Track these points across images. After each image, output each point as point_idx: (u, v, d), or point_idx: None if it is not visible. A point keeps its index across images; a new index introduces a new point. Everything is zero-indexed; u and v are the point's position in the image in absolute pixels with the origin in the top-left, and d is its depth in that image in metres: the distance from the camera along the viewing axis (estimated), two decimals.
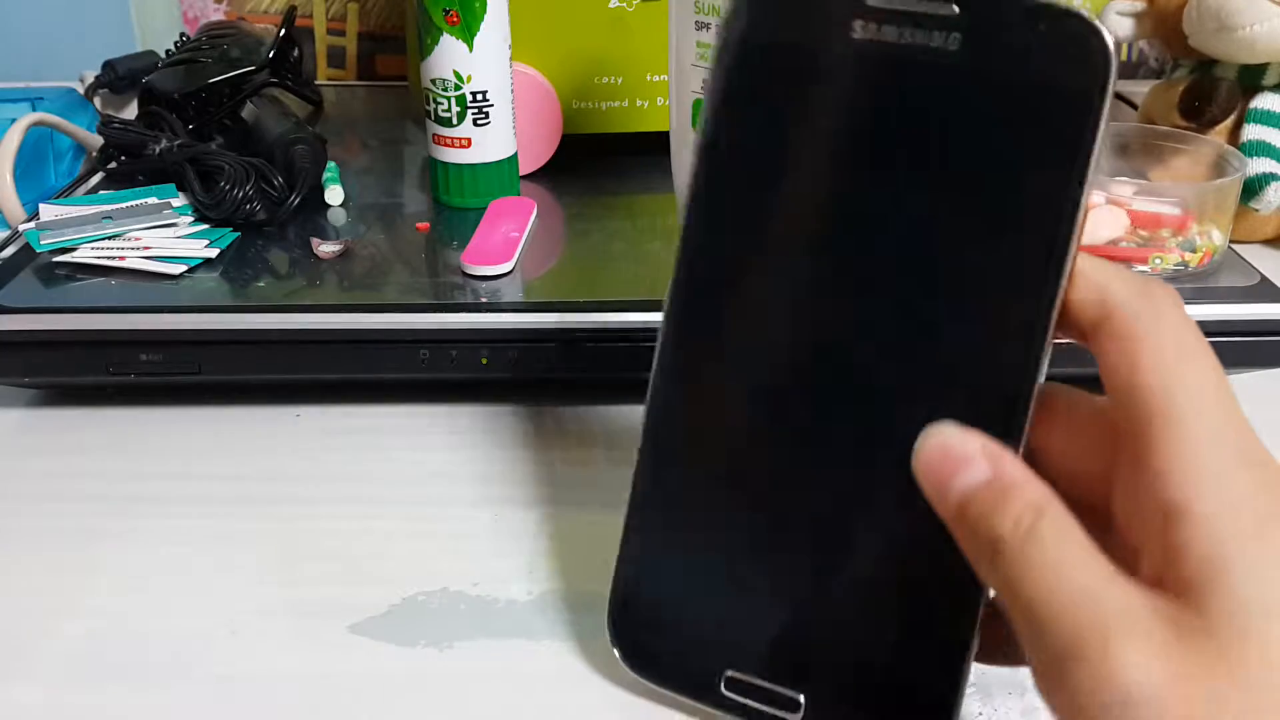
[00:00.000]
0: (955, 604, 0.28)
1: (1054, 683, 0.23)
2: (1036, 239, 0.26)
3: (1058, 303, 0.26)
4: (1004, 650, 0.28)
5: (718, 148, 0.30)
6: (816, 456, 0.29)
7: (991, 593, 0.27)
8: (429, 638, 0.35)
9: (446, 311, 0.46)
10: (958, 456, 0.25)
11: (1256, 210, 0.59)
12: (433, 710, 0.32)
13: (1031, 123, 0.26)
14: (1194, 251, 0.48)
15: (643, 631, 0.32)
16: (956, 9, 0.27)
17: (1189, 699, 0.21)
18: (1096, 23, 0.25)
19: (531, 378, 0.47)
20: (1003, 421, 0.26)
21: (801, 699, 0.30)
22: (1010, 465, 0.25)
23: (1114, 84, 0.25)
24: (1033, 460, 0.26)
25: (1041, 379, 0.26)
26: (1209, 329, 0.44)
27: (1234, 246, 0.51)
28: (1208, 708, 0.21)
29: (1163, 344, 0.24)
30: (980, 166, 0.27)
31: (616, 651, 0.32)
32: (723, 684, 0.31)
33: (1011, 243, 0.26)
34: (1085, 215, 0.26)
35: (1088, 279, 0.26)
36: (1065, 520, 0.24)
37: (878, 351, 0.28)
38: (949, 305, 0.27)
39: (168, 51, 0.71)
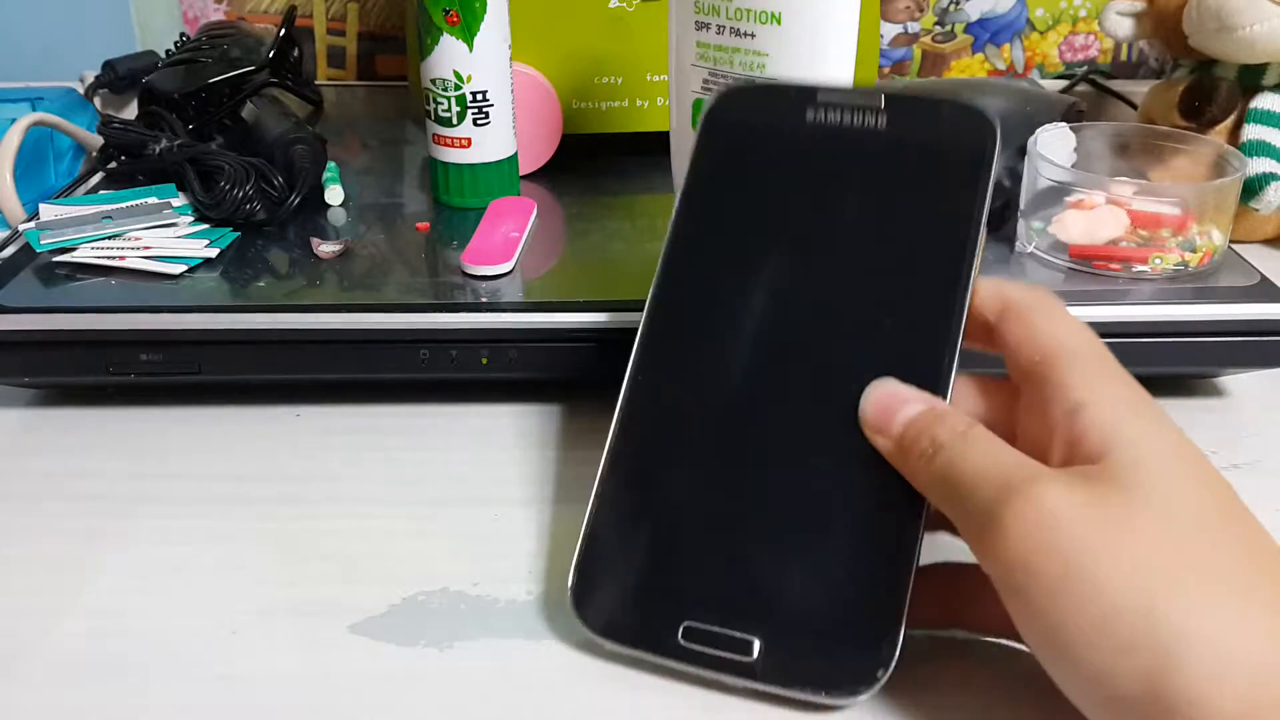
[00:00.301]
0: (893, 547, 0.32)
1: (987, 532, 0.29)
2: (951, 255, 0.34)
3: (968, 298, 0.34)
4: (944, 608, 0.34)
5: (697, 196, 0.38)
6: (769, 423, 0.34)
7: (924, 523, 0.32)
8: (429, 638, 0.35)
9: (446, 311, 0.46)
10: (900, 399, 0.33)
11: (1256, 210, 0.59)
12: (433, 710, 0.32)
13: (940, 177, 0.36)
14: (1194, 251, 0.48)
15: (603, 597, 0.34)
16: (883, 102, 0.37)
17: (1099, 522, 0.28)
18: (981, 110, 0.36)
19: (531, 378, 0.47)
20: (933, 387, 0.33)
21: (755, 641, 0.32)
22: (942, 403, 0.33)
23: (998, 150, 0.35)
24: None
25: (958, 352, 0.33)
26: (1209, 329, 0.46)
27: (1234, 246, 0.51)
28: (1115, 526, 0.27)
29: (1052, 318, 0.33)
30: (907, 207, 0.36)
31: (579, 618, 0.34)
32: (681, 635, 0.32)
33: (932, 261, 0.35)
34: (983, 240, 0.35)
35: (988, 288, 0.34)
36: (990, 432, 0.31)
37: (829, 341, 0.35)
38: (889, 307, 0.34)
39: (168, 51, 0.71)
